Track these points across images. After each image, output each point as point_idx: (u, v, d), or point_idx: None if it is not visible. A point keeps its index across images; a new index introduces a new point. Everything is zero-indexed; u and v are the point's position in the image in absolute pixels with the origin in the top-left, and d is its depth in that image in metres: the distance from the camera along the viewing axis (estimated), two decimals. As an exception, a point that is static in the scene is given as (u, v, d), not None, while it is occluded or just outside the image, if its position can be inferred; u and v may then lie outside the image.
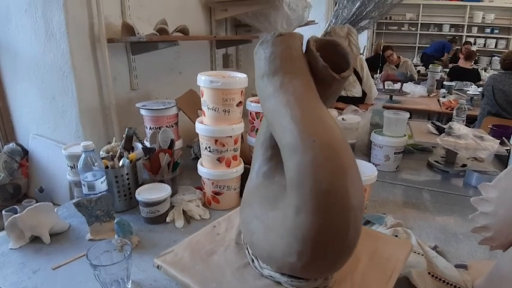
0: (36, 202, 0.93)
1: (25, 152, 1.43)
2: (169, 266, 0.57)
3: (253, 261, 0.58)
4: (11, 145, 1.41)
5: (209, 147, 0.95)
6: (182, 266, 0.57)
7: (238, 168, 0.99)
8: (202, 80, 0.90)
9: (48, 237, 0.85)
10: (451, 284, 0.66)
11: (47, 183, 1.36)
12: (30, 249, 0.82)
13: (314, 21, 2.06)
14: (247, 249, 0.60)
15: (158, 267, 0.59)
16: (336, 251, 0.44)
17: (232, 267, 0.58)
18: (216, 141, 0.94)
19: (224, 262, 0.59)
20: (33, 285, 0.70)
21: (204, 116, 0.95)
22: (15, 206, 1.14)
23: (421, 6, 6.22)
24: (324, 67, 0.52)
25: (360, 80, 1.70)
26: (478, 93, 2.97)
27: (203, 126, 0.94)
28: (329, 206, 0.40)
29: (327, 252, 0.44)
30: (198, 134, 0.97)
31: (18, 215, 0.83)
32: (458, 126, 1.31)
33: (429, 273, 0.68)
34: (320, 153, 0.41)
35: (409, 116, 1.32)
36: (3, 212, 1.11)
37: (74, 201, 0.85)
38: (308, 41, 0.53)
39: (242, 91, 0.94)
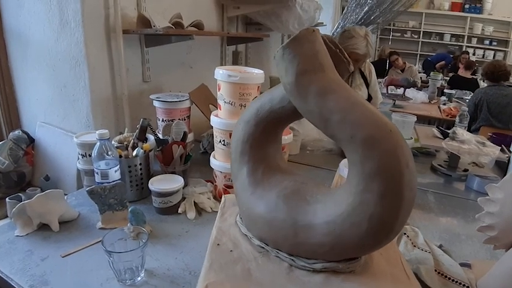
0: (42, 191, 0.91)
1: (31, 140, 1.42)
2: None
3: (293, 261, 0.56)
4: (17, 132, 1.40)
5: (223, 140, 0.96)
6: None
7: (251, 163, 1.00)
8: (220, 73, 0.90)
9: (58, 225, 0.83)
10: (456, 281, 0.68)
11: (53, 171, 1.35)
12: (38, 237, 0.80)
13: (323, 23, 2.08)
14: (278, 252, 0.59)
15: None
16: (403, 223, 0.49)
17: (281, 275, 0.55)
18: (231, 134, 0.94)
19: (269, 274, 0.55)
20: (41, 273, 0.68)
21: (220, 109, 0.96)
22: (20, 194, 1.14)
23: (424, 14, 6.30)
24: (343, 62, 0.56)
25: (367, 84, 1.71)
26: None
27: (218, 120, 0.94)
28: (409, 186, 0.46)
29: (399, 226, 0.49)
30: (207, 128, 0.97)
31: (27, 201, 0.81)
32: (462, 132, 1.34)
33: (435, 270, 0.70)
34: (398, 140, 0.47)
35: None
36: (7, 199, 1.11)
37: (87, 188, 0.84)
38: (323, 39, 0.55)
39: (258, 87, 0.95)
